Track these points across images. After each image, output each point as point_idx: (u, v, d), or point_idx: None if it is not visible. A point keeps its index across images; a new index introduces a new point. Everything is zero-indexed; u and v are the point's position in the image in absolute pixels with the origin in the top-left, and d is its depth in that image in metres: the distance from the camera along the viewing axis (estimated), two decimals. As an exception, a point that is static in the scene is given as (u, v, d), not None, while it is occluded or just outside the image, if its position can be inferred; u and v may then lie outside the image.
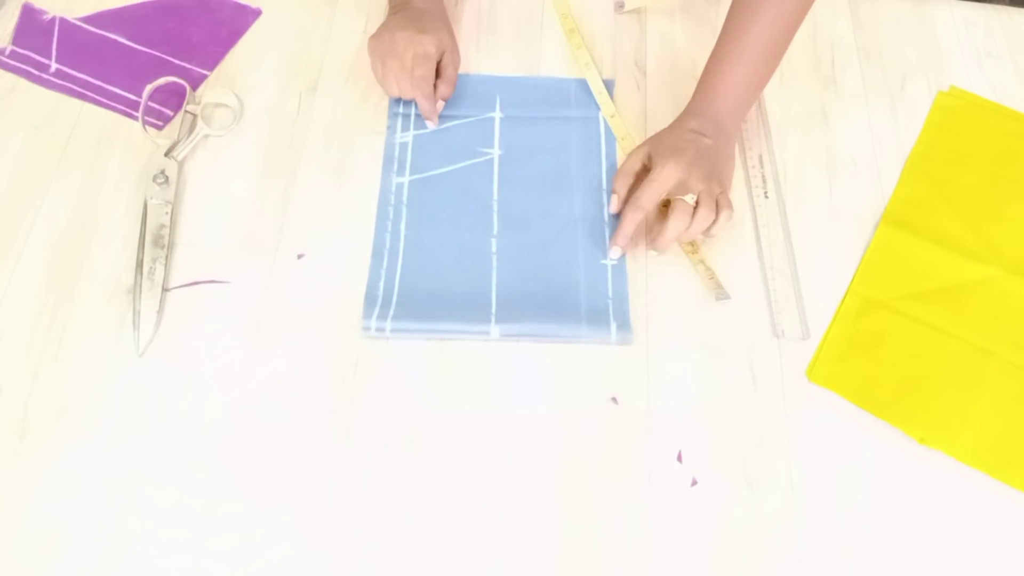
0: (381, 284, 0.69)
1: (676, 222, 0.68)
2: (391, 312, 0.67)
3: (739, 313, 0.70)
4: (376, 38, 0.77)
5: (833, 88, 0.83)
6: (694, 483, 0.62)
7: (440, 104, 0.77)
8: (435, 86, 0.77)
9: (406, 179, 0.75)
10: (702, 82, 0.75)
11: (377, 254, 0.71)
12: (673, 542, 0.60)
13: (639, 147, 0.73)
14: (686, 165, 0.69)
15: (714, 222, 0.69)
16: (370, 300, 0.68)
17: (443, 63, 0.78)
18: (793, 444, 0.64)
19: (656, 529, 0.61)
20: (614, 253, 0.70)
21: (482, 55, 0.84)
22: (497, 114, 0.79)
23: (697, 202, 0.68)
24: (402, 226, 0.72)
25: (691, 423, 0.65)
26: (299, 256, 0.70)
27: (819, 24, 0.88)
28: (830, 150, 0.79)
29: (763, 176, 0.76)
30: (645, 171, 0.72)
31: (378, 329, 0.66)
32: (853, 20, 0.89)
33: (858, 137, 0.80)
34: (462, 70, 0.81)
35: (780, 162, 0.78)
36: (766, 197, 0.75)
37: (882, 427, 0.65)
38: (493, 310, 0.68)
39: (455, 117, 0.79)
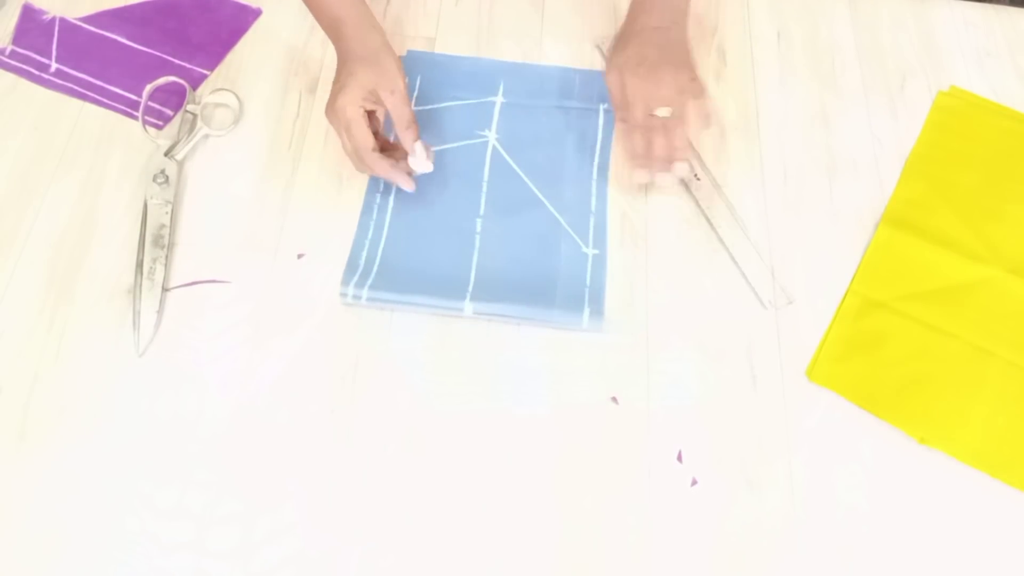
0: (364, 253, 0.70)
1: (658, 139, 0.71)
2: (369, 281, 0.68)
3: (739, 313, 0.70)
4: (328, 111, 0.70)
5: (833, 88, 0.83)
6: (694, 483, 0.62)
7: (418, 149, 0.70)
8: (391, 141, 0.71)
9: None
10: None
11: (363, 224, 0.72)
12: (673, 542, 0.60)
13: (610, 74, 0.74)
14: (652, 72, 0.72)
15: (703, 115, 0.72)
16: (351, 267, 0.69)
17: (389, 106, 0.69)
18: (793, 444, 0.64)
19: (656, 529, 0.61)
20: (640, 177, 0.72)
21: (483, 44, 0.84)
22: (499, 99, 0.80)
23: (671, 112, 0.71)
24: (391, 199, 0.73)
25: (691, 423, 0.65)
26: (299, 256, 0.70)
27: (819, 24, 0.88)
28: (830, 150, 0.79)
29: (687, 160, 0.75)
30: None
31: (354, 296, 0.67)
32: (853, 20, 0.89)
33: (858, 137, 0.80)
34: (465, 53, 0.82)
35: (780, 162, 0.78)
36: (698, 179, 0.76)
37: (882, 427, 0.65)
38: (469, 288, 0.69)
39: (457, 98, 0.79)
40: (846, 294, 0.71)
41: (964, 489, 0.63)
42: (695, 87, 0.73)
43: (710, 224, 0.73)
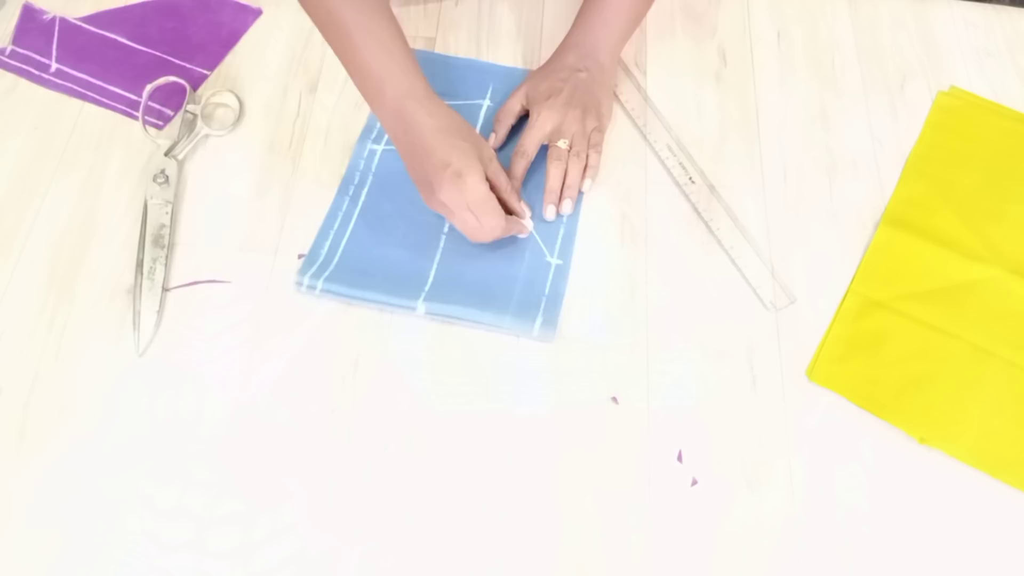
0: (327, 244, 0.70)
1: (553, 170, 0.72)
2: (327, 272, 0.68)
3: (739, 313, 0.70)
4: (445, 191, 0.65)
5: (833, 88, 0.83)
6: (694, 483, 0.62)
7: (527, 210, 0.71)
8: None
9: (380, 147, 0.75)
10: (582, 12, 0.78)
11: (331, 214, 0.72)
12: (673, 542, 0.60)
13: (519, 87, 0.77)
14: (561, 107, 0.73)
15: (587, 166, 0.73)
16: (312, 256, 0.69)
17: (491, 174, 0.67)
18: (793, 444, 0.64)
19: (656, 529, 0.61)
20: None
21: (483, 44, 0.84)
22: (486, 102, 0.80)
23: (570, 146, 0.72)
24: (363, 192, 0.73)
25: (691, 423, 0.65)
26: (299, 256, 0.70)
27: (819, 24, 0.88)
28: (830, 150, 0.79)
29: (680, 164, 0.77)
30: (525, 111, 0.76)
31: (309, 287, 0.67)
32: (853, 20, 0.89)
33: (858, 137, 0.80)
34: (465, 54, 0.82)
35: (780, 162, 0.78)
36: (692, 183, 0.75)
37: (882, 427, 0.65)
38: (426, 288, 0.68)
39: (446, 99, 0.78)
40: (846, 294, 0.71)
41: (964, 489, 0.63)
42: (595, 137, 0.74)
43: (707, 227, 0.73)
